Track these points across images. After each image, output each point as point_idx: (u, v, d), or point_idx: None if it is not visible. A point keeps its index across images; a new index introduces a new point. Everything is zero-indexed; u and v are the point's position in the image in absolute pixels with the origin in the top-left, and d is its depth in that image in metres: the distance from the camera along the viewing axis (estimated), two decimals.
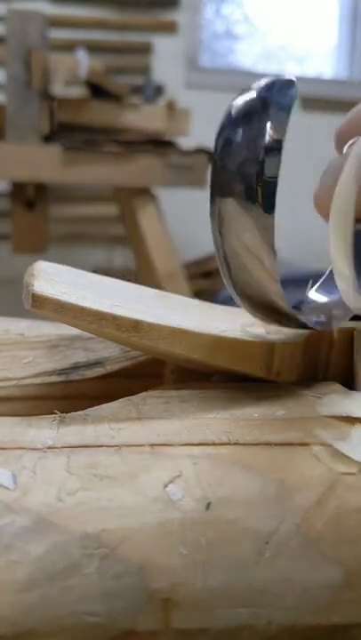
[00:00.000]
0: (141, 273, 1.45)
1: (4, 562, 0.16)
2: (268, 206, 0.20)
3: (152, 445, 0.19)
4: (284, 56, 2.73)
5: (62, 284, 0.24)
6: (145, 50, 2.32)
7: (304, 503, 0.18)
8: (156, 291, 0.28)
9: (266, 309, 0.23)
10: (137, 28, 2.31)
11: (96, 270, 0.29)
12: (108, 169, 1.34)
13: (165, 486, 0.18)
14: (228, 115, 0.21)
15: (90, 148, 1.32)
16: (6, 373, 0.27)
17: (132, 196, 1.42)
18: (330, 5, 2.68)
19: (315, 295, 0.27)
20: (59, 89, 1.32)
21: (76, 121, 1.37)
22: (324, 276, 0.27)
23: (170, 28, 2.32)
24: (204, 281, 1.79)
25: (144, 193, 1.42)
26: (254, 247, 0.20)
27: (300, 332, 0.25)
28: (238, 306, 0.26)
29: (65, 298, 0.22)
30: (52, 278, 0.25)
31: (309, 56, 2.75)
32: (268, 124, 0.20)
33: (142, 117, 1.45)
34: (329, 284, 0.27)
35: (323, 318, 0.25)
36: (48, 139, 1.33)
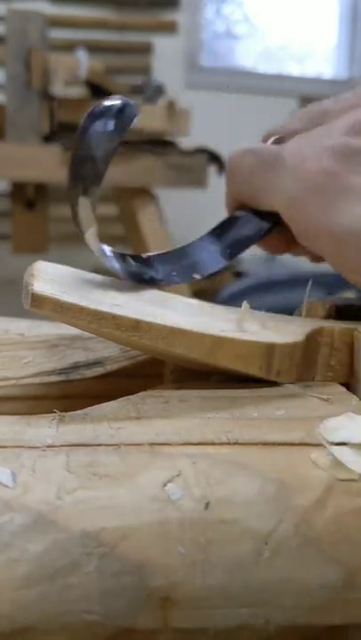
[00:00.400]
0: None
1: (3, 559, 0.16)
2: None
3: (151, 445, 0.19)
4: (284, 56, 2.73)
5: (62, 284, 0.24)
6: (145, 50, 2.33)
7: (303, 503, 0.18)
8: (156, 291, 0.28)
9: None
10: (137, 28, 2.31)
11: (96, 270, 0.29)
12: (108, 169, 1.34)
13: (164, 485, 0.18)
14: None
15: None
16: (6, 373, 0.27)
17: (132, 196, 1.42)
18: (330, 5, 2.69)
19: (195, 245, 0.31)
20: (59, 89, 1.32)
21: (76, 121, 1.36)
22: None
23: (170, 28, 2.32)
24: (204, 281, 1.79)
25: (144, 193, 1.42)
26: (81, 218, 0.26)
27: (300, 331, 0.25)
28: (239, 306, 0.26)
29: (64, 297, 0.22)
30: (52, 278, 0.25)
31: (309, 56, 2.75)
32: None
33: (142, 117, 1.45)
34: (210, 240, 0.32)
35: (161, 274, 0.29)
36: (48, 139, 1.33)
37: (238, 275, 1.99)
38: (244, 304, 0.26)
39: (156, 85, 1.92)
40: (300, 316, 0.30)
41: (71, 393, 0.27)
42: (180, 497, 0.18)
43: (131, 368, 0.28)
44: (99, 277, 0.28)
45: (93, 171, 0.25)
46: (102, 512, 0.17)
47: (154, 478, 0.18)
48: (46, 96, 1.33)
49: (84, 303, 0.22)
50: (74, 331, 0.30)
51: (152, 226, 1.40)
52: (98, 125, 0.25)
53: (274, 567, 0.17)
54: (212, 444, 0.19)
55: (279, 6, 2.66)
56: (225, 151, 0.32)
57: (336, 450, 0.19)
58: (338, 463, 0.19)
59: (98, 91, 1.42)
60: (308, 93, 2.42)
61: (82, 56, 1.38)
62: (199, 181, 1.40)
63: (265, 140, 0.33)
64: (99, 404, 0.23)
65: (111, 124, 0.25)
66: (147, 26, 2.32)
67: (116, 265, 0.28)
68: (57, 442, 0.19)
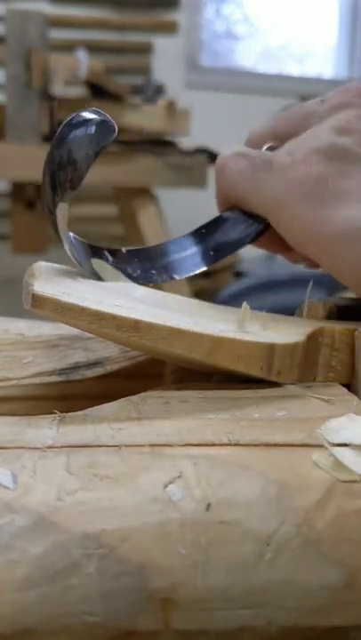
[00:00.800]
0: None
1: (3, 561, 0.16)
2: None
3: (152, 445, 0.19)
4: (284, 56, 2.74)
5: (62, 284, 0.24)
6: (145, 50, 2.33)
7: (305, 504, 0.18)
8: (156, 291, 0.28)
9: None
10: (137, 28, 2.31)
11: None
12: (108, 169, 1.34)
13: (165, 487, 0.18)
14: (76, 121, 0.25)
15: None
16: (6, 373, 0.27)
17: (132, 196, 1.42)
18: (330, 5, 2.69)
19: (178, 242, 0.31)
20: (59, 89, 1.32)
21: None
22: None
23: (170, 28, 2.32)
24: (204, 281, 1.79)
25: (144, 193, 1.42)
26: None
27: (301, 332, 0.25)
28: (239, 306, 0.26)
29: (64, 298, 0.22)
30: (52, 278, 0.25)
31: (309, 56, 2.75)
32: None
33: (142, 117, 1.45)
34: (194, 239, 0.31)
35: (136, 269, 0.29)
36: (48, 139, 1.33)
37: (238, 275, 1.99)
38: (244, 304, 0.26)
39: (156, 85, 1.93)
40: (301, 316, 0.30)
41: (71, 393, 0.27)
42: (181, 498, 0.17)
43: (131, 368, 0.28)
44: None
45: (74, 175, 0.25)
46: (103, 513, 0.17)
47: (155, 479, 0.18)
48: (46, 96, 1.33)
49: (84, 303, 0.22)
50: (74, 331, 0.30)
51: (152, 226, 1.40)
52: (79, 131, 0.25)
53: (275, 568, 0.17)
54: (213, 444, 0.19)
55: (279, 6, 2.66)
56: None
57: (337, 451, 0.19)
58: (339, 464, 0.19)
59: (98, 91, 1.42)
60: (308, 93, 2.41)
61: (82, 56, 1.38)
62: (199, 181, 1.40)
63: (253, 140, 0.33)
64: (99, 404, 0.22)
65: (92, 129, 0.25)
66: (147, 26, 2.32)
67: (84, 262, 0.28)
68: (57, 443, 0.19)
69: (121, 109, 1.43)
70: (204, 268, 0.31)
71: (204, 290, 1.68)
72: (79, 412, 0.22)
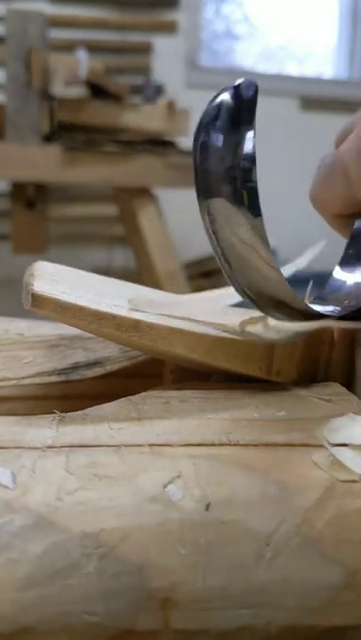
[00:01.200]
0: (141, 273, 1.45)
1: (3, 560, 0.16)
2: (256, 210, 0.20)
3: (151, 445, 0.19)
4: (284, 56, 2.73)
5: (62, 284, 0.24)
6: (145, 50, 2.32)
7: (304, 504, 0.18)
8: (156, 291, 0.28)
9: (270, 300, 0.23)
10: (137, 28, 2.31)
11: (96, 270, 0.29)
12: (108, 169, 1.34)
13: (165, 486, 0.18)
14: (208, 118, 0.21)
15: (90, 148, 1.32)
16: (6, 373, 0.27)
17: (132, 196, 1.42)
18: (330, 5, 2.68)
19: (340, 273, 0.27)
20: (59, 89, 1.32)
21: (76, 121, 1.37)
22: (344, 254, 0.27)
23: (170, 28, 2.32)
24: (204, 281, 1.79)
25: (144, 193, 1.42)
26: (247, 239, 0.21)
27: (300, 331, 0.25)
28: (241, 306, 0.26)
29: (64, 298, 0.22)
30: (52, 278, 0.25)
31: (309, 56, 2.75)
32: (250, 134, 0.20)
33: (142, 117, 1.45)
34: (350, 263, 0.27)
35: (338, 308, 0.25)
36: (48, 139, 1.33)
37: None
38: (245, 304, 0.26)
39: (156, 85, 1.92)
40: None
41: (71, 393, 0.27)
42: (181, 498, 0.17)
43: (131, 368, 0.28)
44: (98, 277, 0.28)
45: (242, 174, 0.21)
46: (102, 513, 0.17)
47: (154, 479, 0.18)
48: (46, 96, 1.33)
49: (84, 303, 0.22)
50: (74, 331, 0.30)
51: (152, 226, 1.40)
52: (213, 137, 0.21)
53: (275, 568, 0.17)
54: (213, 444, 0.19)
55: (279, 6, 2.66)
56: None
57: (337, 451, 0.19)
58: (339, 464, 0.19)
59: (98, 91, 1.42)
60: (308, 93, 2.42)
61: (82, 56, 1.38)
62: None
63: (342, 137, 0.30)
64: (99, 404, 0.22)
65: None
66: (147, 26, 2.32)
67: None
68: (57, 442, 0.19)
69: (121, 109, 1.42)
70: None
71: (204, 290, 1.68)
72: (79, 412, 0.22)
